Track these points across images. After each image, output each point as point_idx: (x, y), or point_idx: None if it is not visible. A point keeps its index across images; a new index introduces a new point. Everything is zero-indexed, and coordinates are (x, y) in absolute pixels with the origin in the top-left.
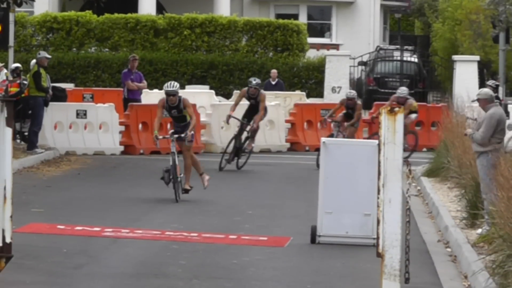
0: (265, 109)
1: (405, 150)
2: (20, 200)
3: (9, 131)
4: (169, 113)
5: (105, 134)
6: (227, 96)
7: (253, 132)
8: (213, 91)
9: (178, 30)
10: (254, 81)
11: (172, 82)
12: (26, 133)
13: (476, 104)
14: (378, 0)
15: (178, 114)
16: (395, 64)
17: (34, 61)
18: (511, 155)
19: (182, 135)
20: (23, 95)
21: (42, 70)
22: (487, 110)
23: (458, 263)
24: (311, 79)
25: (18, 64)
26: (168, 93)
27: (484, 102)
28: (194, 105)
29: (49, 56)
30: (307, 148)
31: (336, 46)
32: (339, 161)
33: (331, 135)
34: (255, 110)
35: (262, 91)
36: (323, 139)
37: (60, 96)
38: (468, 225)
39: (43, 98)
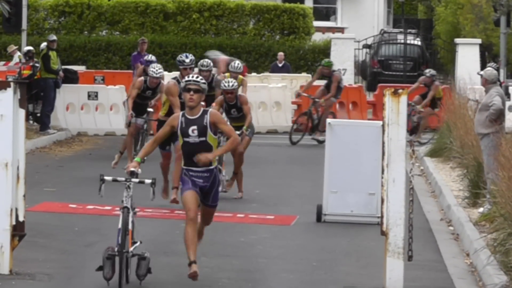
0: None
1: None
2: (33, 180)
3: (22, 112)
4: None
5: (116, 115)
6: None
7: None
8: None
9: (187, 14)
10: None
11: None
12: (38, 114)
13: (478, 86)
14: None
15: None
16: (398, 47)
17: (44, 44)
18: None
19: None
20: (35, 77)
21: (51, 52)
22: (488, 90)
23: (460, 241)
24: (317, 62)
25: (30, 47)
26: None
27: (485, 82)
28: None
29: (55, 38)
30: None
31: (341, 30)
32: (344, 141)
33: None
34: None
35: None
36: (328, 120)
37: (72, 78)
38: (470, 204)
39: (53, 80)
